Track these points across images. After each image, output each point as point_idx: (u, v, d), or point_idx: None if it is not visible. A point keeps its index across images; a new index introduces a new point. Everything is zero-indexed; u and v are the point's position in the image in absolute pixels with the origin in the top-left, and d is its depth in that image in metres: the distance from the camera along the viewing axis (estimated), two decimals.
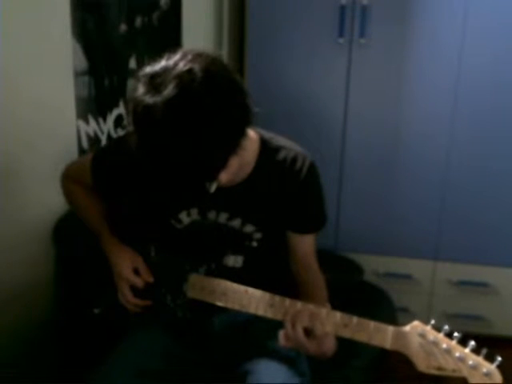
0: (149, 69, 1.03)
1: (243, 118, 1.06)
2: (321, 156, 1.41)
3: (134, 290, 1.35)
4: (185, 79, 0.99)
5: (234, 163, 1.09)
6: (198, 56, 1.03)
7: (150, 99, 0.99)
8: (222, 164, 1.06)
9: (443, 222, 2.44)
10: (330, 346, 1.18)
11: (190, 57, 1.02)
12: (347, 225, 2.52)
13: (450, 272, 2.50)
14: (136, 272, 1.35)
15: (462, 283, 2.50)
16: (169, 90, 0.98)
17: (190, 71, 0.99)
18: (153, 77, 1.01)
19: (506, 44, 2.21)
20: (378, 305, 1.95)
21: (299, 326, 1.15)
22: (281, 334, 1.19)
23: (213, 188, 1.12)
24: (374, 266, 2.51)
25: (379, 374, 1.74)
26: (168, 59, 1.03)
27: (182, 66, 1.00)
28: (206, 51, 1.06)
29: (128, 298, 1.34)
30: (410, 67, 2.31)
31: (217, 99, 1.00)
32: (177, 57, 1.03)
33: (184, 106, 0.98)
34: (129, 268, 1.34)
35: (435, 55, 2.28)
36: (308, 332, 1.16)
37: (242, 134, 1.06)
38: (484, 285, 2.48)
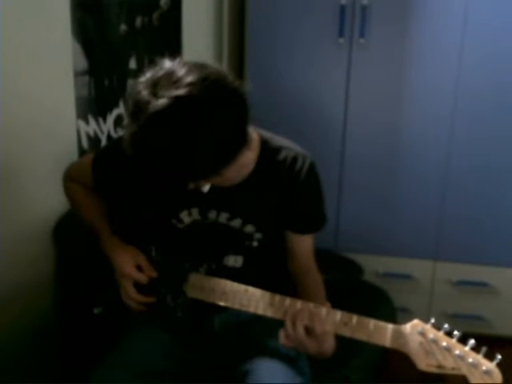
0: (149, 74, 1.04)
1: (238, 134, 1.06)
2: (321, 156, 1.41)
3: (138, 287, 1.35)
4: (184, 89, 0.99)
5: (228, 172, 1.09)
6: (199, 67, 1.03)
7: (147, 105, 0.99)
8: (215, 173, 1.07)
9: (443, 222, 2.44)
10: (329, 345, 1.18)
11: (191, 67, 1.03)
12: (347, 225, 2.52)
13: (450, 272, 2.50)
14: (139, 269, 1.35)
15: (462, 283, 2.50)
16: (166, 99, 0.98)
17: (190, 82, 0.99)
18: (152, 82, 1.01)
19: (506, 44, 2.21)
20: (378, 305, 1.95)
21: (300, 324, 1.16)
22: (281, 333, 1.19)
23: (206, 189, 1.13)
24: (374, 266, 2.51)
25: (379, 373, 1.74)
26: (169, 66, 1.04)
27: (183, 76, 1.00)
28: (208, 63, 1.06)
29: (132, 296, 1.34)
30: (410, 67, 2.31)
31: (212, 113, 1.00)
32: (178, 65, 1.03)
33: (180, 116, 0.98)
34: (131, 265, 1.33)
35: (435, 55, 2.28)
36: (308, 331, 1.16)
37: (237, 147, 1.06)
38: (483, 285, 2.48)
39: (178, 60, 1.06)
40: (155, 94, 0.99)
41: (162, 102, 0.98)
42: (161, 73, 1.03)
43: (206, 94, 0.99)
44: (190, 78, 1.00)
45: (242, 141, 1.07)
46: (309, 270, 1.39)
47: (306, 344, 1.17)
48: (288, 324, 1.17)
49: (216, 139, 1.01)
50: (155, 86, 1.00)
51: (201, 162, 1.02)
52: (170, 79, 1.00)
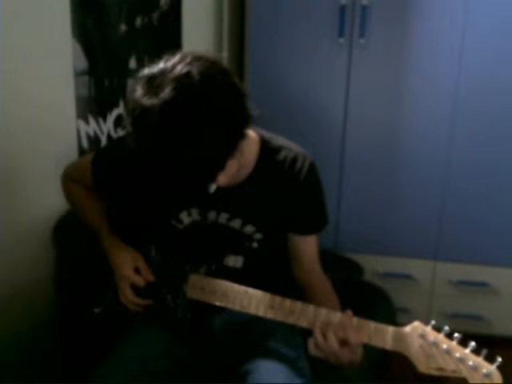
0: (147, 71, 1.04)
1: (240, 122, 1.06)
2: (321, 156, 1.41)
3: (135, 289, 1.35)
4: (182, 82, 0.99)
5: (232, 166, 1.09)
6: (196, 59, 1.03)
7: (147, 101, 0.99)
8: (219, 167, 1.06)
9: (443, 222, 2.44)
10: (360, 353, 1.16)
11: (188, 59, 1.02)
12: (347, 225, 2.52)
13: (450, 272, 2.50)
14: (137, 271, 1.35)
15: (462, 283, 2.49)
16: (166, 93, 0.98)
17: (187, 74, 1.00)
18: (151, 79, 1.02)
19: (506, 44, 2.21)
20: (378, 305, 1.95)
21: (332, 335, 1.13)
22: (310, 342, 1.17)
23: (212, 188, 1.12)
24: (374, 266, 2.51)
25: (379, 374, 1.74)
26: (166, 61, 1.04)
27: (180, 69, 1.00)
28: (205, 54, 1.06)
29: (129, 297, 1.34)
30: (410, 67, 2.31)
31: (213, 103, 1.00)
32: (175, 59, 1.03)
33: (180, 109, 0.98)
34: (129, 267, 1.33)
35: (435, 55, 2.28)
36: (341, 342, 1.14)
37: (239, 137, 1.06)
38: (484, 285, 2.48)
39: (173, 55, 1.05)
40: (153, 91, 0.99)
41: (163, 96, 0.98)
42: (157, 70, 1.03)
43: (203, 83, 1.00)
44: (185, 70, 1.00)
45: (244, 124, 1.07)
46: (314, 274, 1.37)
47: (340, 355, 1.14)
48: (318, 334, 1.15)
49: (218, 130, 1.01)
50: (153, 84, 1.00)
51: (206, 156, 1.02)
52: (167, 74, 1.00)
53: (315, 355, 1.17)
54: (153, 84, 1.00)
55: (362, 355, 1.16)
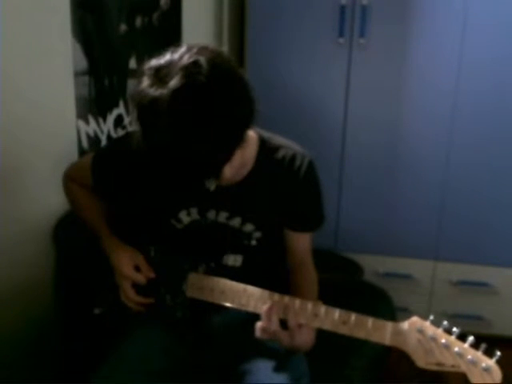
0: (154, 62, 1.04)
1: (248, 110, 1.06)
2: (321, 156, 1.41)
3: (136, 287, 1.35)
4: (191, 71, 0.99)
5: (237, 157, 1.09)
6: (202, 49, 1.04)
7: (155, 91, 0.99)
8: (227, 157, 1.06)
9: (443, 222, 2.44)
10: (304, 339, 1.18)
11: (195, 50, 1.03)
12: (347, 225, 2.52)
13: (450, 272, 2.50)
14: (137, 269, 1.35)
15: (462, 283, 2.50)
16: (175, 82, 0.97)
17: (195, 63, 1.00)
18: (158, 69, 1.01)
19: (506, 44, 2.21)
20: (378, 305, 1.94)
21: (274, 317, 1.16)
22: (257, 324, 1.19)
23: (213, 186, 1.12)
24: (374, 266, 2.51)
25: (379, 373, 1.73)
26: (173, 52, 1.04)
27: (188, 58, 1.00)
28: (210, 45, 1.06)
29: (131, 296, 1.34)
30: (410, 67, 2.31)
31: (223, 90, 1.00)
32: (182, 50, 1.04)
33: (190, 96, 0.98)
34: (129, 265, 1.34)
35: (435, 55, 2.28)
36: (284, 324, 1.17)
37: (246, 125, 1.07)
38: (484, 285, 2.48)
39: (178, 47, 1.06)
40: (161, 81, 0.99)
41: (172, 85, 0.97)
42: (164, 60, 1.03)
43: (212, 71, 1.00)
44: (193, 59, 1.00)
45: (251, 113, 1.07)
46: (304, 266, 1.39)
47: (279, 336, 1.17)
48: (263, 316, 1.17)
49: (228, 118, 1.01)
50: (161, 74, 1.00)
51: (216, 145, 1.02)
52: (175, 64, 1.00)
53: (261, 337, 1.19)
54: (161, 74, 1.00)
55: (313, 342, 1.20)
